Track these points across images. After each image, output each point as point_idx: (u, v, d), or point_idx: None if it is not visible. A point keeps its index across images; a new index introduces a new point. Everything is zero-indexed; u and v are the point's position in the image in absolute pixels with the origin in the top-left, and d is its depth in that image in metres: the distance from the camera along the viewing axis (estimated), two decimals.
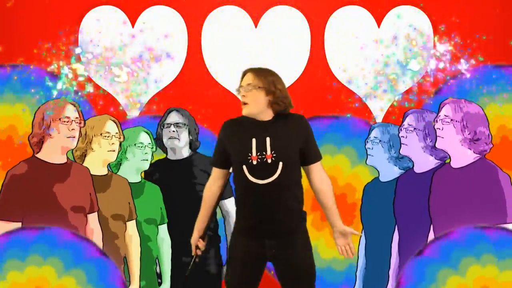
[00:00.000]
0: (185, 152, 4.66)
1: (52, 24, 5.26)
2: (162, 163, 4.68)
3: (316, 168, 3.90)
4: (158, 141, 4.65)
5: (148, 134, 4.49)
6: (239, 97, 3.86)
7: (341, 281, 5.06)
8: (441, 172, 3.94)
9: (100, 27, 5.28)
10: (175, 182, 4.58)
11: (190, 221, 4.08)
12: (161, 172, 4.62)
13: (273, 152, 3.76)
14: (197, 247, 3.98)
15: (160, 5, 5.40)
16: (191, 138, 4.66)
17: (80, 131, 3.88)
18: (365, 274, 4.53)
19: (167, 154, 4.69)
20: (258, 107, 3.82)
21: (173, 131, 4.61)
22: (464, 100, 3.88)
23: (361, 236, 4.54)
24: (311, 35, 5.44)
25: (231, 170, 3.94)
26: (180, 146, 4.63)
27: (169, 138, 4.61)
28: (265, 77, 3.84)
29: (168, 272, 4.52)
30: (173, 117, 4.65)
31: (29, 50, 5.18)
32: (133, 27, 5.36)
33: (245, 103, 3.83)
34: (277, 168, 3.75)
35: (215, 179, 3.96)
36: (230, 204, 4.58)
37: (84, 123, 3.93)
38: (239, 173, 3.79)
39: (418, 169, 4.19)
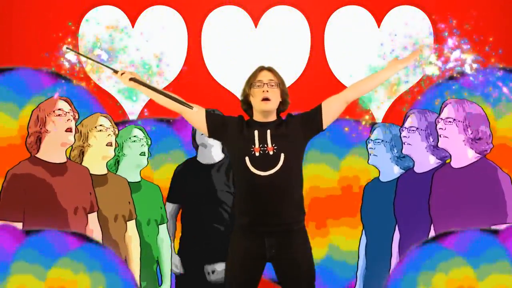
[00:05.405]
0: (217, 155, 4.62)
1: (50, 25, 5.24)
2: (193, 166, 4.66)
3: (334, 97, 3.91)
4: (193, 142, 4.66)
5: (141, 130, 4.48)
6: (253, 91, 3.84)
7: (341, 281, 5.07)
8: (441, 172, 3.95)
9: (100, 27, 5.26)
10: (202, 188, 4.57)
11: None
12: (191, 176, 4.60)
13: (274, 145, 3.78)
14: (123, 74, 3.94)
15: (160, 5, 5.39)
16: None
17: (76, 127, 3.89)
18: (366, 274, 4.53)
19: (197, 153, 4.67)
20: (277, 104, 3.86)
21: None
22: (466, 100, 3.90)
23: (361, 236, 4.55)
24: (311, 35, 5.43)
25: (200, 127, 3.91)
26: (211, 144, 4.58)
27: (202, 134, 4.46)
28: (279, 76, 3.89)
29: (168, 273, 4.52)
30: None
31: (26, 52, 5.18)
32: (133, 27, 5.36)
33: (267, 99, 3.84)
34: (278, 160, 3.78)
35: (193, 110, 3.86)
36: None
37: (78, 116, 3.92)
38: (240, 166, 3.81)
39: (419, 169, 4.20)
